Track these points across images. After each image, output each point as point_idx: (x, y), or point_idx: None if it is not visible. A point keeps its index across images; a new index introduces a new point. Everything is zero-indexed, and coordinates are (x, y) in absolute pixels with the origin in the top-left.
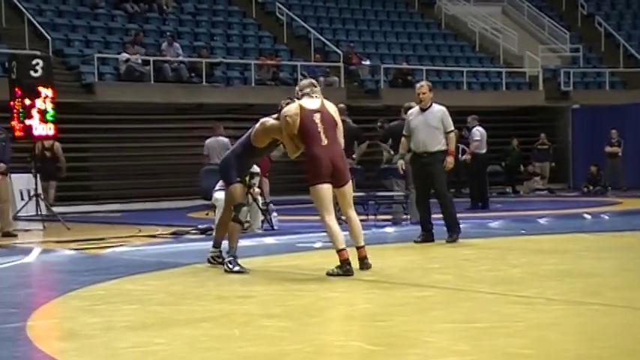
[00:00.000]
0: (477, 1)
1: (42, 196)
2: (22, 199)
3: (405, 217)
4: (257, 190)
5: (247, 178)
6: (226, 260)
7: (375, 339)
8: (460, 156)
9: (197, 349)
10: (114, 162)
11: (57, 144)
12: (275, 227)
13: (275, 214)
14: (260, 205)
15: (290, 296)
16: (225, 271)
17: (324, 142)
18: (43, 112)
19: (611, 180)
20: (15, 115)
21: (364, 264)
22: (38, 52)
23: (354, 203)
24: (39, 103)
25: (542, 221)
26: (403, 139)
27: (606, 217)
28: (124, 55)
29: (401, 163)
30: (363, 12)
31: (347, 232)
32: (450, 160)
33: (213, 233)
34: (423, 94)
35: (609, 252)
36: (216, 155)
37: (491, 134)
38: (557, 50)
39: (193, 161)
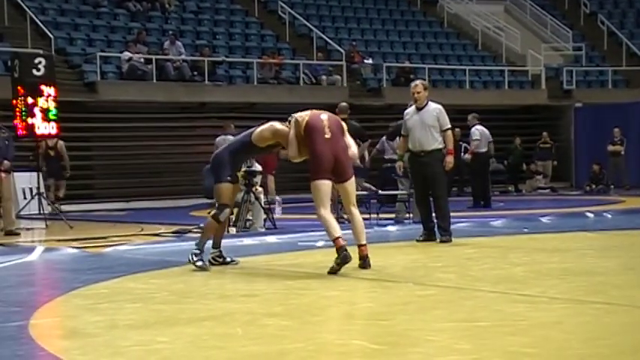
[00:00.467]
0: None
1: (44, 195)
2: (25, 197)
3: (407, 215)
4: (259, 189)
5: (240, 175)
6: (192, 252)
7: (377, 338)
8: (463, 154)
9: (200, 348)
10: (116, 160)
11: (61, 143)
12: (277, 214)
13: (279, 209)
14: (262, 203)
15: (292, 295)
16: (189, 261)
17: (328, 135)
18: (45, 111)
19: (613, 178)
20: (17, 113)
21: (365, 263)
22: (41, 51)
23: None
24: (41, 101)
25: (544, 220)
26: (402, 139)
27: (609, 216)
28: (127, 54)
29: (400, 164)
30: (366, 10)
31: (349, 231)
32: (449, 160)
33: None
34: (418, 93)
35: (612, 250)
36: None
37: (494, 133)
38: (560, 49)
39: (196, 160)
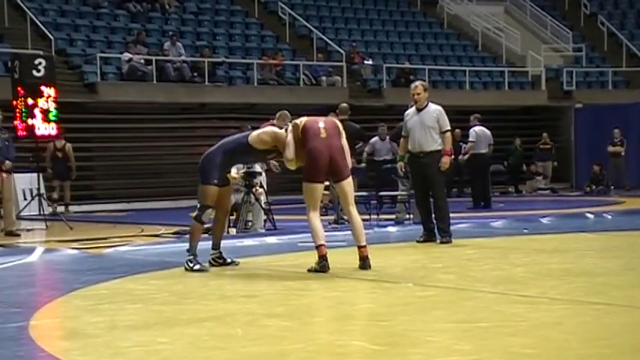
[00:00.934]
0: (479, 0)
1: (44, 196)
2: (25, 198)
3: (407, 216)
4: (259, 189)
5: (240, 176)
6: (186, 259)
7: (377, 338)
8: (461, 156)
9: (200, 349)
10: (116, 161)
11: (68, 145)
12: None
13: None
14: (262, 204)
15: (292, 295)
16: (186, 269)
17: (323, 134)
18: (45, 112)
19: (613, 179)
20: (18, 114)
21: (365, 264)
22: (41, 52)
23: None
24: (41, 102)
25: (544, 221)
26: (402, 140)
27: (609, 217)
28: (127, 55)
29: (400, 165)
30: (366, 11)
31: (349, 232)
32: (445, 161)
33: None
34: (418, 94)
35: (612, 251)
36: None
37: (494, 134)
38: (560, 50)
39: (196, 161)
